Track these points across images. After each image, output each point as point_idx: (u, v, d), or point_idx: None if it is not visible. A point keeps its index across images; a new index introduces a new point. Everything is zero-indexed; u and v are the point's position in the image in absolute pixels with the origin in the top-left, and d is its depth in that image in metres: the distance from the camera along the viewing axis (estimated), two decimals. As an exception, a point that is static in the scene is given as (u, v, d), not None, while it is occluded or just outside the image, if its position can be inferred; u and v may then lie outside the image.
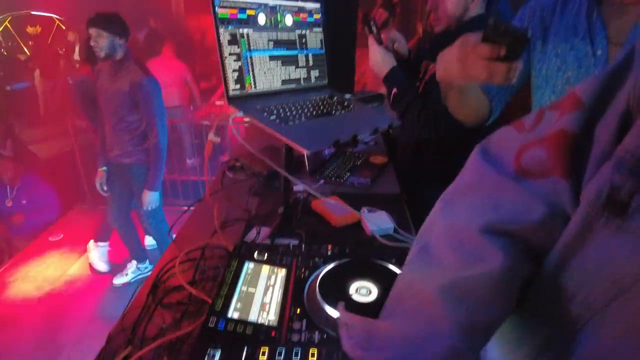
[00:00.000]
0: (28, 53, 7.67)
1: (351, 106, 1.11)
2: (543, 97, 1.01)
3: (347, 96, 1.19)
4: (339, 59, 1.29)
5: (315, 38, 1.13)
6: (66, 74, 6.00)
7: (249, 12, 0.94)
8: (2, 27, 7.69)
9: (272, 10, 1.00)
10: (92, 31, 2.36)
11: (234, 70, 0.92)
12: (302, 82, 1.11)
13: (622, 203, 0.36)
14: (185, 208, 1.32)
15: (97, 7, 2.51)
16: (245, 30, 0.94)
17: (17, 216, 3.44)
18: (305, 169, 1.51)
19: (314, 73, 1.15)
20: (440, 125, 1.32)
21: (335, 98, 1.13)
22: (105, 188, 2.84)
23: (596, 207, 0.38)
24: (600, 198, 0.37)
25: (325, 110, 1.04)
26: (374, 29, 1.43)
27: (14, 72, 6.38)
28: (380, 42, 1.45)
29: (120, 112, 2.52)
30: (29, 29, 7.84)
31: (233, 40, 0.91)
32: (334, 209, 1.19)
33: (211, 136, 0.92)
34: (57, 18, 7.67)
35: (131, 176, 2.73)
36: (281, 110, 0.94)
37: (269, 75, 1.01)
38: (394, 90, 1.39)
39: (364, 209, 1.18)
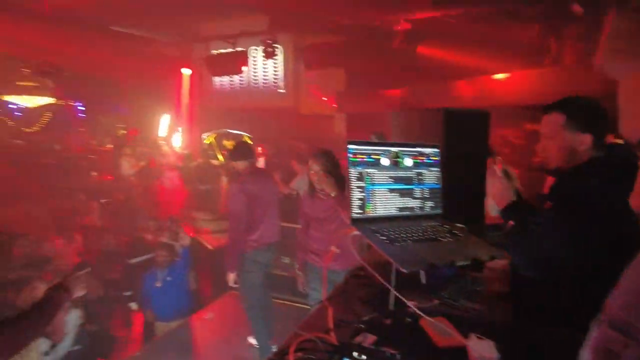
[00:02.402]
0: (220, 160, 9.80)
1: (460, 235, 1.24)
2: None
3: (460, 226, 1.32)
4: (463, 192, 1.44)
5: (431, 175, 1.35)
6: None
7: (374, 156, 1.23)
8: (209, 140, 10.20)
9: (394, 154, 1.27)
10: None
11: (358, 199, 1.18)
12: (416, 210, 1.31)
13: None
14: (312, 304, 1.55)
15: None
16: (370, 170, 1.22)
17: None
18: (422, 284, 1.60)
19: (429, 203, 1.34)
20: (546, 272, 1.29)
21: (445, 226, 1.28)
22: None
23: None
24: None
25: (432, 236, 1.19)
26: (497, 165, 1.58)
27: (208, 175, 8.12)
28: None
29: None
30: (225, 142, 10.14)
31: (360, 178, 1.19)
32: (440, 331, 1.25)
33: (333, 247, 1.16)
34: (246, 135, 9.74)
35: None
36: (391, 232, 1.15)
37: (386, 204, 1.24)
38: (510, 222, 1.45)
39: (473, 336, 1.21)
